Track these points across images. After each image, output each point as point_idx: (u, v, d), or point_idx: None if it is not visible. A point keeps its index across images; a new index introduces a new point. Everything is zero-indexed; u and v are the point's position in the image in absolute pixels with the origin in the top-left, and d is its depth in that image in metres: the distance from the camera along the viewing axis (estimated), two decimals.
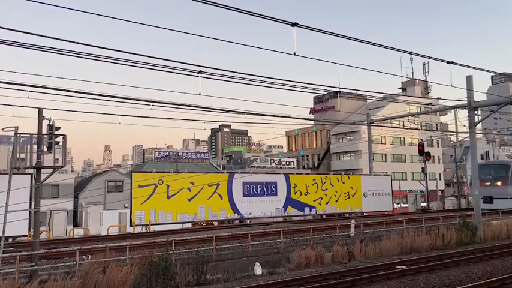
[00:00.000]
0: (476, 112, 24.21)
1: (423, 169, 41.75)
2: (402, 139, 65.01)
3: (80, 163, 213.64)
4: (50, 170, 13.38)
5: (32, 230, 14.11)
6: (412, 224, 22.82)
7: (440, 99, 56.30)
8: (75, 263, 12.84)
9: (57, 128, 13.37)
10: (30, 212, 13.90)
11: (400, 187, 47.96)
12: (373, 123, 34.93)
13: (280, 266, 15.09)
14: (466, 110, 24.25)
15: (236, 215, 28.30)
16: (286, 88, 16.58)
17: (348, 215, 31.14)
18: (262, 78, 15.15)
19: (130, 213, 23.94)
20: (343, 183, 32.11)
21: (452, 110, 39.70)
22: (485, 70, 21.66)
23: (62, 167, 13.65)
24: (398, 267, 15.05)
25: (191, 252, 15.16)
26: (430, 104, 44.24)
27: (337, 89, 21.31)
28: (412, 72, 76.77)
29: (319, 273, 14.23)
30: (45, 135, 13.21)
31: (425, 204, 47.68)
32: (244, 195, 27.77)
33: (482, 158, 49.80)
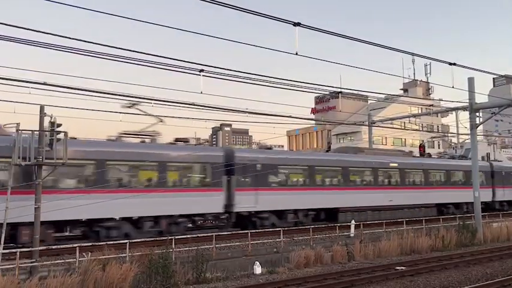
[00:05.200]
0: (477, 114, 24.21)
1: None
2: (403, 140, 64.96)
3: None
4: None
5: None
6: (412, 225, 22.82)
7: (442, 100, 56.24)
8: (75, 260, 12.86)
9: (59, 125, 13.40)
10: None
11: None
12: (374, 123, 34.92)
13: (280, 265, 15.08)
14: (468, 112, 24.24)
15: None
16: (287, 88, 16.61)
17: None
18: (263, 78, 15.17)
19: None
20: None
21: (454, 112, 39.68)
22: (487, 72, 21.64)
23: (63, 164, 13.65)
24: (398, 268, 15.07)
25: (191, 250, 15.17)
26: (432, 105, 44.20)
27: (339, 89, 21.32)
28: (414, 74, 76.40)
29: (319, 273, 14.26)
30: (46, 132, 13.24)
31: None
32: None
33: (483, 160, 49.58)
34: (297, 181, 23.52)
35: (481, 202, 31.77)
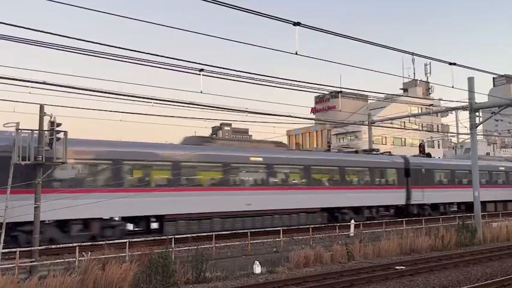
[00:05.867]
0: (477, 114, 24.20)
1: None
2: (403, 140, 64.98)
3: None
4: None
5: None
6: (412, 224, 22.84)
7: (442, 100, 56.25)
8: (74, 259, 12.87)
9: (59, 124, 13.41)
10: None
11: None
12: (374, 123, 34.92)
13: (280, 265, 15.10)
14: (467, 112, 24.25)
15: None
16: (287, 87, 16.62)
17: None
18: (263, 77, 15.18)
19: None
20: None
21: (454, 111, 39.68)
22: (487, 72, 21.67)
23: (63, 163, 13.66)
24: (397, 267, 15.08)
25: (190, 250, 15.19)
26: (431, 105, 44.21)
27: (339, 89, 21.32)
28: (414, 73, 76.28)
29: (318, 273, 14.27)
30: (46, 131, 13.24)
31: None
32: None
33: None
34: (87, 181, 17.05)
35: (393, 206, 27.84)
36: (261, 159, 21.74)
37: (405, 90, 74.03)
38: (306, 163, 23.58)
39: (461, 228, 21.63)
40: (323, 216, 23.89)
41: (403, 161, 28.48)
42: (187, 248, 15.93)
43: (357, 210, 25.13)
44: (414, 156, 31.40)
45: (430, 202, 29.14)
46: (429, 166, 29.96)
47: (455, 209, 32.21)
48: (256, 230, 19.24)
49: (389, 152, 32.45)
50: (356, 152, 29.69)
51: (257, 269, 14.32)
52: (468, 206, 31.31)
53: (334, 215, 24.19)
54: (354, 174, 25.95)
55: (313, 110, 71.22)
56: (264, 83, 15.46)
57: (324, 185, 24.35)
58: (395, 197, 27.09)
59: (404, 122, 48.40)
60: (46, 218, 15.04)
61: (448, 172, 31.48)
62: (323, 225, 22.63)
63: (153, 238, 16.18)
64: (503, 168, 35.95)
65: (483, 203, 30.20)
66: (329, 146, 41.99)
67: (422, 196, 28.29)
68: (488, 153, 57.51)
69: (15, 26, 9.86)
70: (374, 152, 29.75)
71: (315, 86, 17.62)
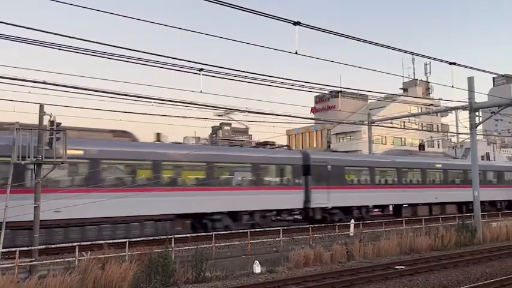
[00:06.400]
0: (477, 113, 24.21)
1: None
2: (403, 139, 64.99)
3: None
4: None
5: None
6: (412, 224, 22.85)
7: (442, 100, 56.27)
8: (74, 259, 12.88)
9: (58, 124, 13.41)
10: None
11: None
12: (374, 123, 34.94)
13: (279, 264, 15.11)
14: (467, 111, 24.25)
15: None
16: (287, 87, 16.62)
17: None
18: (263, 77, 15.18)
19: None
20: None
21: (453, 111, 39.70)
22: (487, 71, 21.72)
23: (63, 162, 13.66)
24: (397, 267, 15.09)
25: (190, 249, 15.19)
26: (431, 104, 44.23)
27: (339, 89, 21.32)
28: (414, 73, 76.22)
29: (318, 273, 14.28)
30: (46, 131, 13.25)
31: None
32: None
33: (482, 159, 49.43)
34: None
35: (286, 210, 22.28)
36: (81, 152, 16.84)
37: (405, 90, 74.00)
38: (154, 158, 18.67)
39: (461, 228, 21.65)
40: (184, 224, 19.34)
41: (300, 157, 23.53)
42: (187, 247, 15.94)
43: (234, 216, 20.63)
44: (319, 151, 27.16)
45: (339, 205, 24.23)
46: (338, 162, 24.91)
47: (379, 212, 27.99)
48: (258, 230, 19.21)
49: (288, 146, 28.37)
50: (241, 145, 24.37)
51: (257, 268, 14.32)
52: (396, 208, 28.64)
53: (202, 222, 19.89)
54: (229, 171, 21.16)
55: (313, 110, 71.24)
56: (264, 82, 15.48)
57: (181, 185, 19.48)
58: (289, 200, 22.23)
59: (404, 122, 48.43)
60: None
61: (365, 170, 26.62)
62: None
63: (152, 237, 16.17)
64: (440, 165, 31.23)
65: (414, 206, 28.04)
66: (329, 146, 41.98)
67: (328, 198, 23.44)
68: (487, 153, 57.51)
69: (17, 25, 9.87)
70: (268, 147, 24.95)
71: (315, 86, 17.66)
